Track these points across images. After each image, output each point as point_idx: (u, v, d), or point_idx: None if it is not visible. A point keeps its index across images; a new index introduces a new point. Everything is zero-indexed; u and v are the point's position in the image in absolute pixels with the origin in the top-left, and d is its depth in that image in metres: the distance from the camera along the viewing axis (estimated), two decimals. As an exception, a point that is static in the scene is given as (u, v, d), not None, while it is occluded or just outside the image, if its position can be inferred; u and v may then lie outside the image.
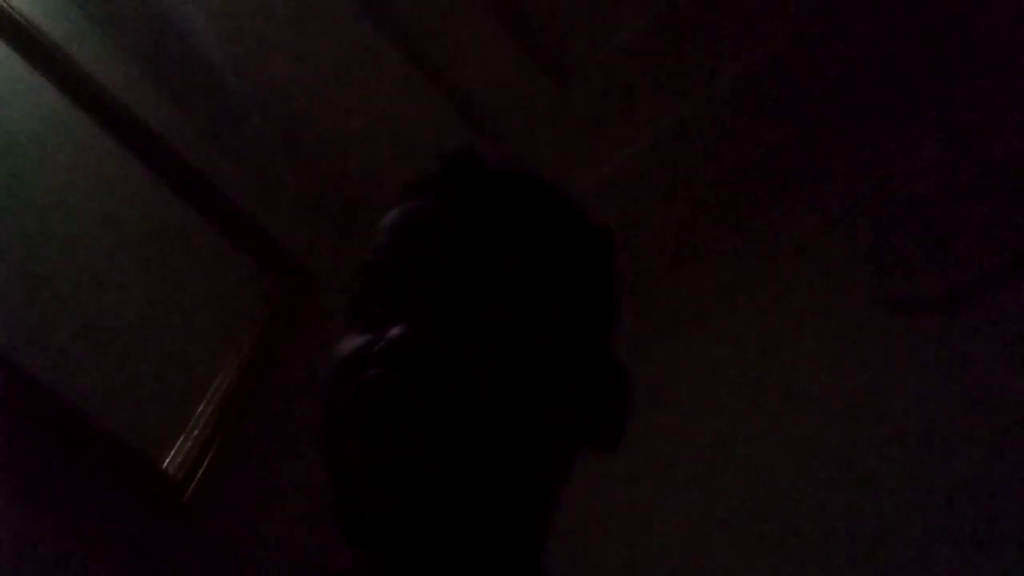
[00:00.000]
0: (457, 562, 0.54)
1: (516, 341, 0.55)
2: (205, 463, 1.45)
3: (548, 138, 1.80)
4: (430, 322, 0.54)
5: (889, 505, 1.26)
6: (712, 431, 1.51)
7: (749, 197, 1.67)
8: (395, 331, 0.53)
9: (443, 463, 0.51)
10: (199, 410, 1.49)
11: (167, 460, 1.43)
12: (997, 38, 1.43)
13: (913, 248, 1.45)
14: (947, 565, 1.17)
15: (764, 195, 1.66)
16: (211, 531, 1.46)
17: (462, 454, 0.51)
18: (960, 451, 1.24)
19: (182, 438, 1.46)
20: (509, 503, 0.55)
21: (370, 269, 0.59)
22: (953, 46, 1.46)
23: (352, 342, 0.57)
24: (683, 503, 1.47)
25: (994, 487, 1.18)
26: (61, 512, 1.30)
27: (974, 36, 1.44)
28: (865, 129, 1.58)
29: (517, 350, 0.55)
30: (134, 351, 1.46)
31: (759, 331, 1.57)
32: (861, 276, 1.48)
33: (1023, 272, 1.32)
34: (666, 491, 1.50)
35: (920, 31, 1.48)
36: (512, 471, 0.54)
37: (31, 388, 1.29)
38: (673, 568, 1.39)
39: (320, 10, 1.69)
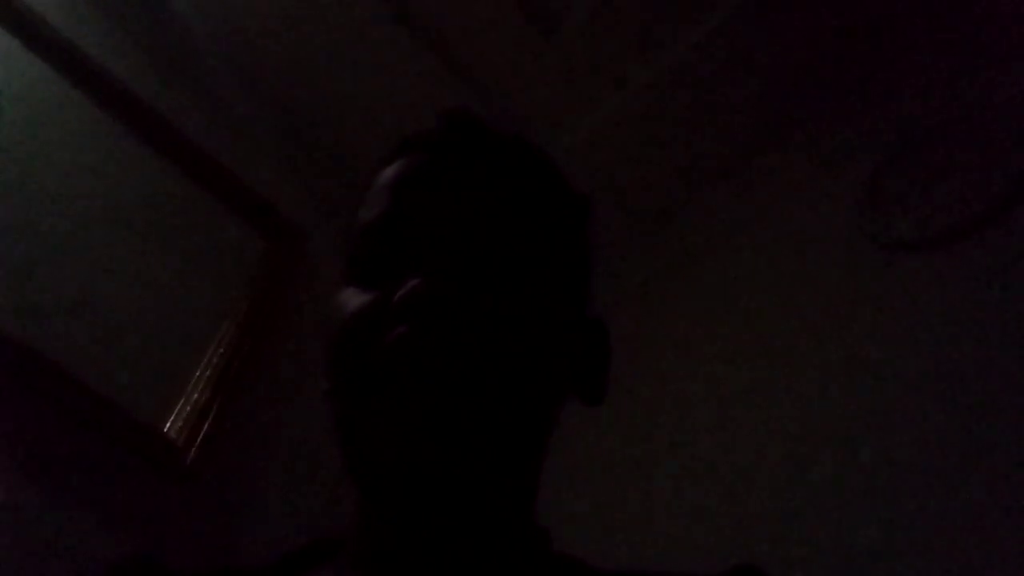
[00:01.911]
0: (464, 510, 0.55)
1: (519, 294, 0.57)
2: (206, 425, 1.45)
3: (534, 89, 1.78)
4: (442, 276, 0.54)
5: (890, 445, 1.29)
6: (708, 376, 1.53)
7: (742, 141, 1.67)
8: (414, 283, 0.54)
9: (469, 415, 0.52)
10: (197, 373, 1.48)
11: (168, 424, 1.43)
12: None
13: (907, 188, 1.46)
14: (952, 501, 1.20)
15: (757, 139, 1.66)
16: (214, 492, 1.46)
17: (484, 404, 0.53)
18: (957, 389, 1.27)
19: (182, 401, 1.45)
20: (513, 450, 0.56)
21: (372, 228, 0.60)
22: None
23: (359, 299, 0.57)
24: (682, 449, 1.50)
25: (993, 422, 1.20)
26: (65, 480, 1.30)
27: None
28: (859, 70, 1.58)
29: (520, 304, 0.56)
30: (130, 317, 1.44)
31: (754, 275, 1.58)
32: (856, 217, 1.49)
33: (1016, 210, 1.33)
34: (665, 440, 1.52)
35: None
36: (518, 419, 0.55)
37: (30, 358, 1.28)
38: (676, 524, 1.42)
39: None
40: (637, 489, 1.49)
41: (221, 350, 1.52)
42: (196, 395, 1.47)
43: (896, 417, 1.30)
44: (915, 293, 1.39)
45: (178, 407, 1.45)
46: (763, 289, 1.55)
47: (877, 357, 1.37)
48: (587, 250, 0.67)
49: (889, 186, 1.49)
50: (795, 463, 1.35)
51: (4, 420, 1.24)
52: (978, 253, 1.35)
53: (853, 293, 1.45)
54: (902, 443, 1.27)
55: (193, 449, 1.43)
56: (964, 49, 1.50)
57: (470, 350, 0.53)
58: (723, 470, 1.41)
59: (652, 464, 1.50)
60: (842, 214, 1.54)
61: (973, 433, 1.21)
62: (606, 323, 0.67)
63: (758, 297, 1.55)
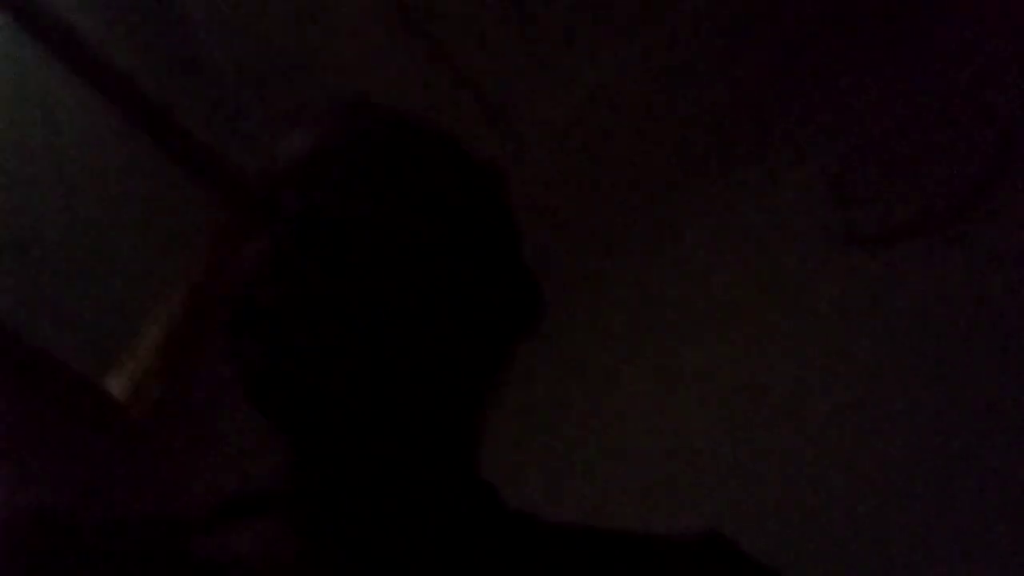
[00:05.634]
0: (388, 454, 0.55)
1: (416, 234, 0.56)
2: (154, 384, 1.47)
3: (517, 72, 1.82)
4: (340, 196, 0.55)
5: (848, 433, 1.30)
6: (681, 359, 1.56)
7: (712, 133, 1.67)
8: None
9: (365, 320, 0.50)
10: (147, 332, 1.50)
11: (116, 381, 1.45)
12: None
13: (872, 181, 1.49)
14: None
15: (729, 130, 1.66)
16: (162, 447, 1.48)
17: (383, 314, 0.51)
18: (916, 380, 1.28)
19: (130, 360, 1.47)
20: (431, 385, 0.56)
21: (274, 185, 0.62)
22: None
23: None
24: (644, 420, 1.52)
25: (957, 412, 1.22)
26: (18, 439, 1.30)
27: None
28: (824, 67, 1.57)
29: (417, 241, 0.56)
30: (80, 277, 1.46)
31: (722, 264, 1.60)
32: (823, 209, 1.51)
33: (979, 203, 1.36)
34: (628, 409, 1.55)
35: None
36: (431, 348, 0.53)
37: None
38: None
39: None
40: (598, 444, 1.51)
41: (171, 309, 1.54)
42: (144, 354, 1.48)
43: (858, 408, 1.31)
44: (879, 287, 1.40)
45: (126, 365, 1.46)
46: (728, 283, 1.57)
47: (841, 350, 1.38)
48: (504, 211, 0.67)
49: (854, 181, 1.52)
50: (755, 448, 1.37)
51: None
52: (940, 247, 1.35)
53: (817, 288, 1.46)
54: (862, 429, 1.29)
55: (139, 407, 1.45)
56: (929, 45, 1.50)
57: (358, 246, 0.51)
58: (683, 444, 1.43)
59: (614, 422, 1.52)
60: (808, 206, 1.54)
61: (936, 429, 1.22)
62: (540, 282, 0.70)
63: (722, 290, 1.57)
